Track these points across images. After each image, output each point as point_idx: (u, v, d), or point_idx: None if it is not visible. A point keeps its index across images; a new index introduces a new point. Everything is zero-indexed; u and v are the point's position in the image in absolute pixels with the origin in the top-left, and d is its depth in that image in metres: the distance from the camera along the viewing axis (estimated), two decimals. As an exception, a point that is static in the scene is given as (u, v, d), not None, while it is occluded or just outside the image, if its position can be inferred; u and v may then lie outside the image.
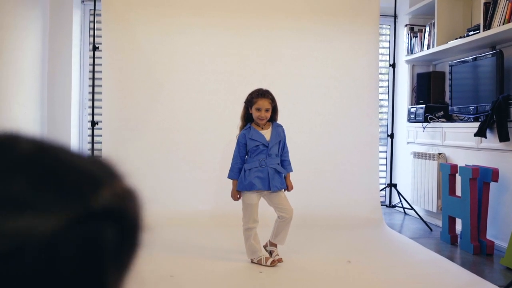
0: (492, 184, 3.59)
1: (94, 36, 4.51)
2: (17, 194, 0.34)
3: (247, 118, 3.07)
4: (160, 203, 4.18)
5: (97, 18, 4.52)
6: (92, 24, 4.64)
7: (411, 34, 4.89)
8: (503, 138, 3.43)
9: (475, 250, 3.49)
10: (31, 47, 4.24)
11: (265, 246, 3.14)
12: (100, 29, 4.33)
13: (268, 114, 2.99)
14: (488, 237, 3.59)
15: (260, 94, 2.98)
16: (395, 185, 4.92)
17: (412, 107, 4.82)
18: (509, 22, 3.44)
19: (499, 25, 3.55)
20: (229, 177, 3.06)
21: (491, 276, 2.95)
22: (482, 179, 3.56)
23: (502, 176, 3.52)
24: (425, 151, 4.58)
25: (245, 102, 3.05)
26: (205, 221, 4.08)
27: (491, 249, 3.47)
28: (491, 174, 3.46)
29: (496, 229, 3.61)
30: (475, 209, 3.55)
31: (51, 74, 4.59)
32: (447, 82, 4.53)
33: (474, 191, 3.55)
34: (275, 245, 3.13)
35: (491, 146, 3.66)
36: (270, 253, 3.11)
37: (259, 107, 2.96)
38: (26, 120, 4.16)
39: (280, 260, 3.06)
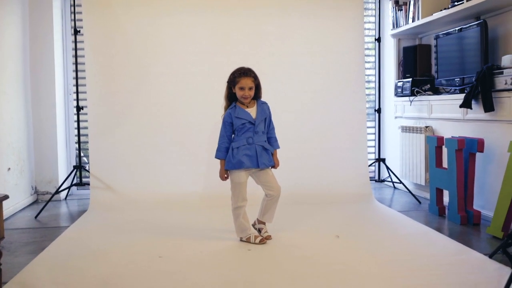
0: (478, 154, 3.61)
1: (75, 19, 4.43)
2: None
3: (231, 98, 3.05)
4: (148, 186, 4.19)
5: (77, 1, 4.44)
6: (73, 8, 4.55)
7: (396, 7, 4.85)
8: (487, 108, 3.44)
9: (462, 221, 3.54)
10: (12, 33, 4.17)
11: (253, 225, 3.15)
12: (81, 13, 4.26)
13: (252, 92, 2.98)
14: (475, 207, 3.64)
15: (243, 73, 2.96)
16: (383, 160, 4.94)
17: (399, 81, 4.82)
18: (492, -9, 3.42)
19: (483, -5, 3.53)
20: (217, 157, 3.05)
21: (478, 245, 3.00)
22: (468, 150, 3.58)
23: (487, 146, 3.54)
24: (412, 125, 4.59)
25: (228, 82, 3.02)
26: (195, 202, 4.09)
27: (478, 218, 3.51)
28: (477, 145, 3.49)
29: (483, 199, 3.65)
30: (461, 180, 3.58)
31: (34, 60, 4.53)
32: (433, 55, 4.52)
33: (460, 162, 3.57)
34: (264, 223, 3.14)
35: (476, 117, 3.68)
36: (259, 231, 3.13)
37: (242, 86, 2.94)
38: (10, 108, 4.12)
39: (269, 237, 3.08)
